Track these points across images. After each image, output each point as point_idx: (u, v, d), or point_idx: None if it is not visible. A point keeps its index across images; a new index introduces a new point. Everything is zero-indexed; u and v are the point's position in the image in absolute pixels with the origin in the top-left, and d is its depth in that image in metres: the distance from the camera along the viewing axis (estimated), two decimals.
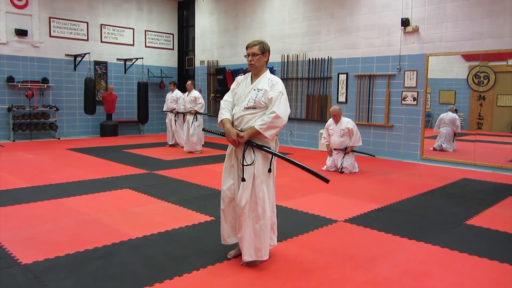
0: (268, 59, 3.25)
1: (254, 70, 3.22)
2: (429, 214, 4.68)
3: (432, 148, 8.52)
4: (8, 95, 10.50)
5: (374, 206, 4.94)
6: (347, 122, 6.99)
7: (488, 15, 7.39)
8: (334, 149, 7.04)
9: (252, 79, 3.25)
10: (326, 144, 7.19)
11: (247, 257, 3.11)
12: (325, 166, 7.19)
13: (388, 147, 8.79)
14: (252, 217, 3.09)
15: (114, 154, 8.60)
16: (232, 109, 3.26)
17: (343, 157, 6.94)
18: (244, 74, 3.41)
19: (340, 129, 6.96)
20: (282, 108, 3.05)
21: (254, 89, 3.15)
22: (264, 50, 3.18)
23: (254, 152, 3.11)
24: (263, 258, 3.14)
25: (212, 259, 3.26)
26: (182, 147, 9.75)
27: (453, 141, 8.49)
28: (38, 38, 10.87)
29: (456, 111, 8.40)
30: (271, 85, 3.11)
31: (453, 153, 8.37)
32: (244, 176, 3.07)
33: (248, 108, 3.12)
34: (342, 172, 6.92)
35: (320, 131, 9.38)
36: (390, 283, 2.94)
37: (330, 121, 7.16)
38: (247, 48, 3.21)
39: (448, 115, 8.46)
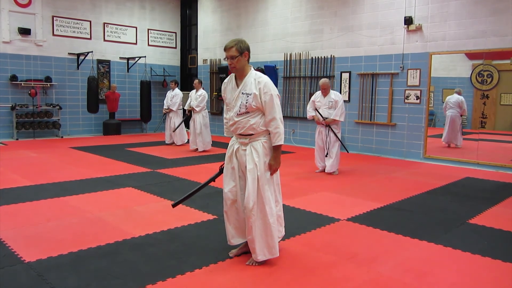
0: (249, 58, 3.13)
1: (236, 72, 3.14)
2: (432, 213, 4.67)
3: (448, 146, 8.57)
4: (12, 93, 10.53)
5: (377, 205, 4.94)
6: (334, 94, 6.73)
7: (492, 14, 7.35)
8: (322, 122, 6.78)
9: (237, 81, 3.17)
10: (313, 115, 6.84)
11: (261, 256, 3.11)
12: (318, 170, 6.96)
13: (391, 145, 8.78)
14: (261, 218, 3.10)
15: (117, 153, 8.62)
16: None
17: (328, 134, 6.73)
18: None
19: (328, 100, 6.69)
20: (277, 111, 3.05)
21: (243, 93, 3.08)
22: (242, 50, 3.05)
23: (254, 154, 3.11)
24: (276, 255, 3.15)
25: (214, 257, 3.27)
26: (178, 145, 9.84)
27: (461, 134, 8.53)
28: (41, 36, 10.90)
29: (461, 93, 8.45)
30: (259, 87, 3.04)
31: (456, 152, 8.35)
32: (248, 179, 3.08)
33: (241, 114, 3.10)
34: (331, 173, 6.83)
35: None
36: (392, 282, 2.94)
37: (318, 93, 6.85)
38: (224, 50, 3.10)
39: (454, 97, 8.44)
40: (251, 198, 3.06)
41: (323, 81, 6.71)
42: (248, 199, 3.06)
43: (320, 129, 6.89)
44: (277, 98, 3.09)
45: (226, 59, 3.11)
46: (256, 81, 3.07)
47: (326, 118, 6.70)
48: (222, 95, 3.31)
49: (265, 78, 3.09)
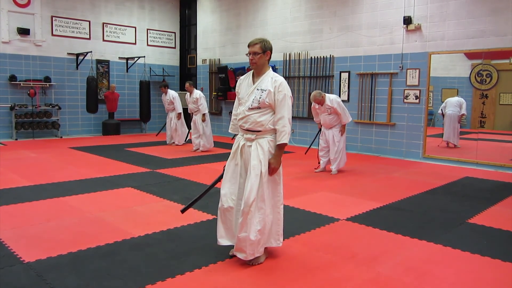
0: (270, 58, 3.25)
1: (255, 69, 3.23)
2: (431, 213, 4.67)
3: (447, 145, 8.61)
4: (11, 93, 10.52)
5: (376, 205, 4.94)
6: (330, 101, 6.67)
7: (491, 13, 7.36)
8: (325, 127, 6.88)
9: (254, 78, 3.25)
10: (318, 122, 7.04)
11: (250, 256, 3.09)
12: (318, 169, 7.01)
13: (390, 145, 8.78)
14: (258, 215, 3.08)
15: (116, 153, 8.61)
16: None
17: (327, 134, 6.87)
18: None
19: (326, 108, 6.71)
20: (286, 111, 3.10)
21: (258, 89, 3.15)
22: (266, 48, 3.17)
23: (260, 151, 3.12)
24: (261, 253, 3.17)
25: (214, 257, 3.27)
26: (178, 144, 9.88)
27: (458, 134, 8.59)
28: (41, 37, 10.89)
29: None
30: (274, 86, 3.12)
31: (456, 152, 8.35)
32: (251, 175, 3.08)
33: (252, 108, 3.14)
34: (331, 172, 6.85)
35: None
36: (392, 281, 2.94)
37: None
38: (248, 46, 3.21)
39: (455, 98, 8.46)
40: (252, 194, 3.06)
41: (312, 96, 6.67)
42: (249, 195, 3.06)
43: (323, 129, 6.96)
44: (290, 100, 3.15)
45: (248, 54, 3.20)
46: (272, 79, 3.16)
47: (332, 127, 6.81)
48: (236, 90, 3.38)
49: (282, 79, 3.18)
